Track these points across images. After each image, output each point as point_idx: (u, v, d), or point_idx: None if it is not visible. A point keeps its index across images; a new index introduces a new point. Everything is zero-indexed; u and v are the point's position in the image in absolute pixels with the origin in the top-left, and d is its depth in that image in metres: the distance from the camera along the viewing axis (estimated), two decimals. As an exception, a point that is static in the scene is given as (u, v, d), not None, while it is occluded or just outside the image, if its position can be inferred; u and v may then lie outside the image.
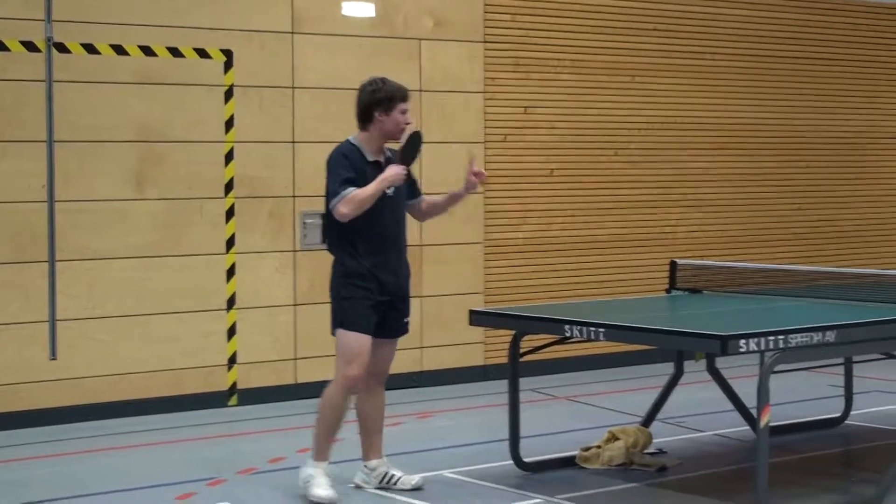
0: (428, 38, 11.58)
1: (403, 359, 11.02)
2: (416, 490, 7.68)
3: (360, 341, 7.45)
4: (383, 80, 7.59)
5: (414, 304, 11.25)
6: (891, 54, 14.66)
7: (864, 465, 8.76)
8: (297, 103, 10.95)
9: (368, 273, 7.46)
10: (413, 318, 11.31)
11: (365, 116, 7.53)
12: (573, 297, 11.93)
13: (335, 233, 7.54)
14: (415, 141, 7.56)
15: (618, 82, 12.68)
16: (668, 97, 12.99)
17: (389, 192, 7.46)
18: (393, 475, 7.73)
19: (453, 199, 7.92)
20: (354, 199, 7.30)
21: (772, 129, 13.73)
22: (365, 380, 7.59)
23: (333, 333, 7.57)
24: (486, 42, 11.91)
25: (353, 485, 7.77)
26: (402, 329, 7.76)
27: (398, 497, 7.58)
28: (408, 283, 7.74)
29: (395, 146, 7.62)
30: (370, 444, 7.79)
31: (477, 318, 8.45)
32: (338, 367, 7.53)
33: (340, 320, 7.51)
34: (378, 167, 7.48)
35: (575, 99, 12.46)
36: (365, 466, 7.79)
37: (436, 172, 11.58)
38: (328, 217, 7.52)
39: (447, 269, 11.62)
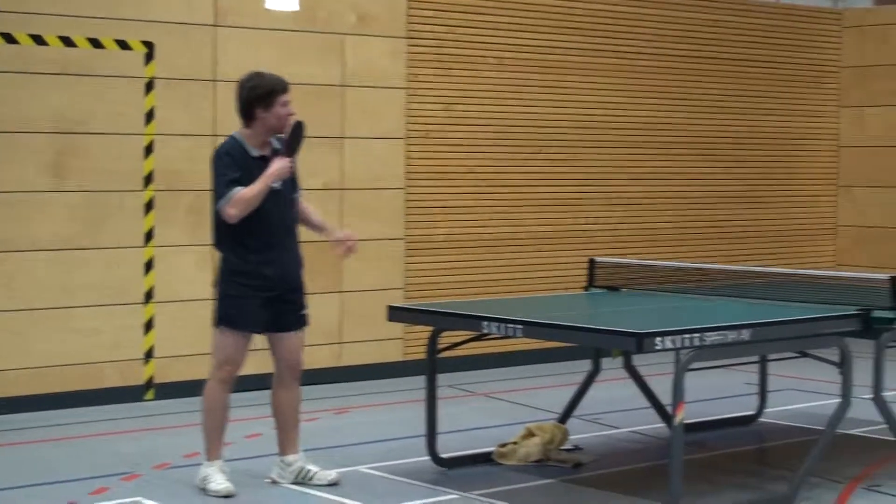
0: (351, 34, 11.55)
1: (322, 354, 11.05)
2: (332, 485, 7.65)
3: (236, 341, 7.50)
4: (260, 75, 7.52)
5: (333, 300, 11.40)
6: (807, 56, 14.82)
7: (777, 462, 8.84)
8: (218, 96, 10.88)
9: (254, 270, 7.43)
10: (332, 314, 11.43)
11: (246, 113, 7.47)
12: (493, 294, 11.96)
13: (221, 230, 7.50)
14: (298, 132, 7.53)
15: (540, 81, 12.72)
16: (589, 96, 13.05)
17: (276, 185, 7.42)
18: (309, 470, 7.72)
19: (320, 230, 7.89)
20: (241, 200, 7.27)
21: (691, 128, 13.84)
22: (279, 372, 7.66)
23: (214, 327, 7.61)
24: (409, 38, 11.91)
25: (268, 480, 7.76)
26: (301, 321, 7.70)
27: (314, 492, 7.57)
28: (299, 275, 7.69)
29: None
30: (286, 438, 7.77)
31: (395, 313, 8.46)
32: (213, 364, 7.60)
33: (220, 317, 7.52)
34: (264, 162, 7.43)
35: (497, 96, 12.49)
36: (281, 461, 7.77)
37: (358, 168, 11.61)
38: (216, 216, 7.48)
39: (367, 265, 11.59)
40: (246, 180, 7.32)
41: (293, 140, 7.52)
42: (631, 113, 13.37)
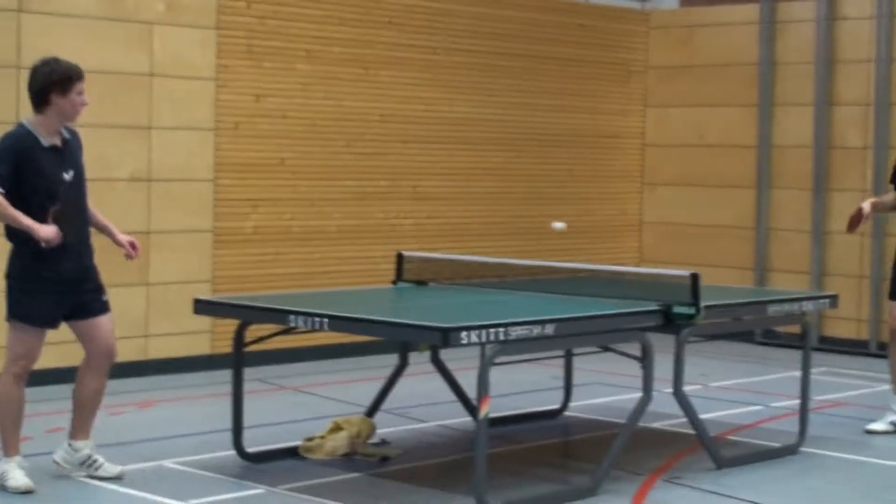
0: (159, 23, 11.39)
1: (127, 347, 10.85)
2: (116, 479, 7.59)
3: (30, 335, 7.34)
4: (56, 60, 7.28)
5: (139, 292, 11.25)
6: (615, 55, 15.07)
7: (581, 455, 8.98)
8: (21, 84, 10.53)
9: (47, 263, 7.23)
10: (138, 306, 11.28)
11: (40, 99, 7.22)
12: (301, 288, 11.91)
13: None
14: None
15: (351, 74, 12.71)
16: (399, 91, 13.08)
17: (68, 177, 7.27)
18: (96, 459, 7.62)
19: (102, 229, 7.70)
20: None
21: (499, 125, 13.96)
22: (92, 359, 7.54)
23: (8, 321, 7.41)
24: (219, 28, 11.79)
25: (54, 462, 7.65)
26: (103, 307, 7.56)
27: (119, 488, 7.45)
28: (92, 265, 7.52)
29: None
30: (80, 423, 7.63)
31: (202, 306, 8.36)
32: (7, 358, 7.40)
33: (14, 312, 7.34)
34: (55, 151, 7.26)
35: (308, 89, 12.44)
36: (69, 445, 7.65)
37: (165, 159, 11.45)
38: None
39: (174, 257, 11.46)
40: (33, 172, 7.13)
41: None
42: (440, 108, 13.43)
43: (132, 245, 7.65)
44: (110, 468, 7.62)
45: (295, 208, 12.38)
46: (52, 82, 7.18)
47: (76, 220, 7.38)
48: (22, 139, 7.21)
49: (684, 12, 15.29)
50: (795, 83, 14.33)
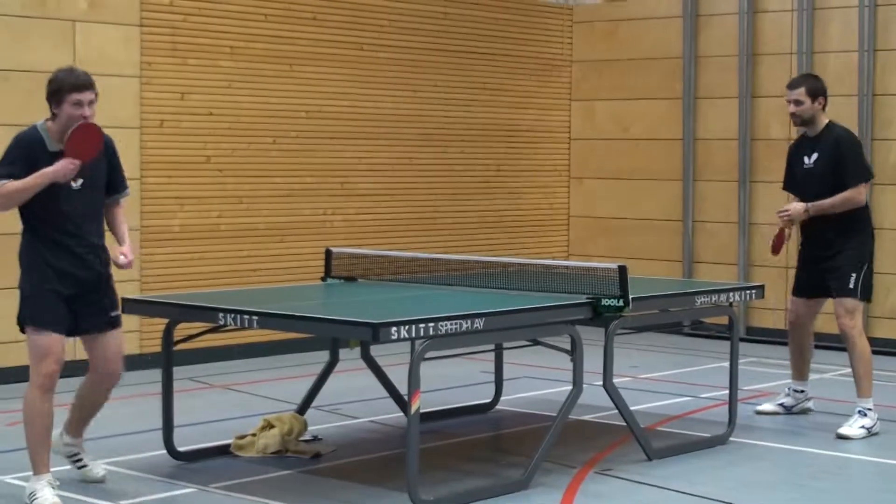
0: (82, 20, 11.30)
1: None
2: (99, 482, 7.58)
3: (45, 340, 7.00)
4: (61, 70, 7.11)
5: (66, 292, 11.10)
6: (540, 50, 15.14)
7: (513, 448, 9.00)
8: (-58, 83, 10.54)
9: (52, 268, 7.02)
10: (65, 306, 11.11)
11: (49, 106, 7.05)
12: (230, 285, 11.87)
13: (24, 223, 7.11)
14: (79, 134, 6.98)
15: (275, 70, 12.68)
16: (324, 87, 13.07)
17: (76, 185, 7.03)
18: (81, 458, 7.61)
19: (118, 240, 7.42)
20: (2, 192, 6.89)
21: (426, 120, 13.99)
22: (93, 374, 7.39)
23: (23, 331, 7.13)
24: (142, 25, 11.72)
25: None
26: (109, 322, 7.34)
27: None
28: (102, 275, 7.28)
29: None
30: (76, 422, 7.54)
31: (130, 305, 8.29)
32: (31, 372, 7.04)
33: (27, 316, 7.07)
34: (59, 158, 6.99)
35: (233, 86, 12.40)
36: (61, 434, 7.56)
37: (89, 158, 11.35)
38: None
39: (101, 257, 11.37)
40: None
41: (73, 141, 6.94)
42: (366, 104, 13.43)
43: (125, 256, 7.28)
44: (95, 470, 7.59)
45: (222, 206, 12.33)
46: (48, 94, 7.02)
47: (83, 228, 7.15)
48: (28, 140, 7.02)
49: (607, 6, 15.37)
50: (719, 76, 14.46)
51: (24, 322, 7.08)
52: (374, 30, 13.46)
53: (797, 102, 9.52)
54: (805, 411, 10.02)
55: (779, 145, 13.90)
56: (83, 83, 7.01)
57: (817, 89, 9.55)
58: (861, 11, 13.43)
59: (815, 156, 9.58)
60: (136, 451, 8.49)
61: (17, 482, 7.65)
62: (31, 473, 7.12)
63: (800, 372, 10.06)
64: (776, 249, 9.75)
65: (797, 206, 9.51)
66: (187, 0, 12.03)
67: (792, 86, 9.64)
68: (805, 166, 9.66)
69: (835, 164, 9.46)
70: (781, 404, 10.00)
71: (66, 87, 6.96)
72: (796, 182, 9.80)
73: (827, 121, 9.61)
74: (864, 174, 9.54)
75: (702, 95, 14.60)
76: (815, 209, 9.44)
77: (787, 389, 10.09)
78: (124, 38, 11.57)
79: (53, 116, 7.05)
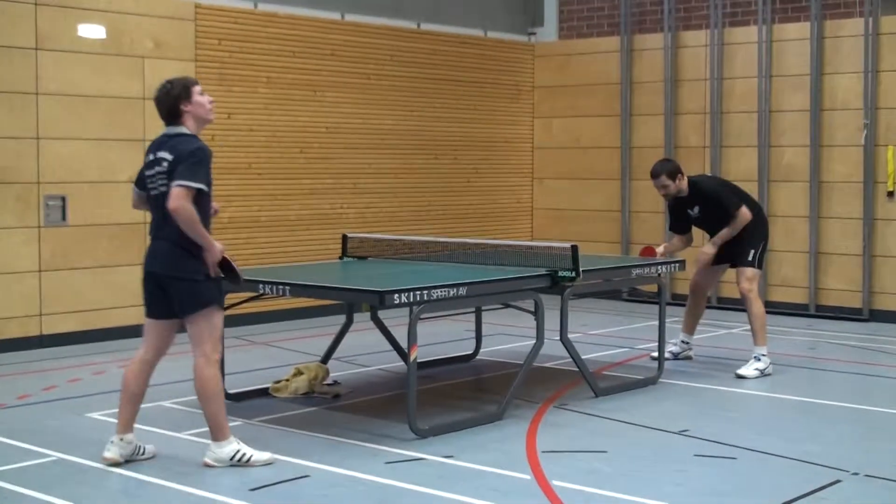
0: (149, 56, 11.29)
1: (134, 311, 10.78)
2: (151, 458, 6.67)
3: (219, 317, 6.46)
4: (169, 80, 6.49)
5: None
6: (508, 78, 15.10)
7: (490, 389, 9.01)
8: (40, 106, 10.52)
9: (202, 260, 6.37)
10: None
11: (175, 114, 6.39)
12: (268, 264, 11.87)
13: (169, 226, 6.36)
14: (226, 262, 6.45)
15: (302, 95, 12.67)
16: (341, 108, 13.05)
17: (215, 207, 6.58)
18: (140, 446, 6.64)
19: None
20: (193, 220, 6.25)
21: (419, 133, 13.97)
22: (149, 361, 6.61)
23: (197, 312, 6.35)
24: (197, 60, 11.70)
25: (108, 458, 6.50)
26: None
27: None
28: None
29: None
30: (131, 418, 6.59)
31: (190, 280, 8.28)
32: (205, 345, 6.37)
33: (214, 297, 6.40)
34: None
35: (269, 108, 12.38)
36: (121, 439, 6.53)
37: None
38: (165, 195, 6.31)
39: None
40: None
41: (224, 263, 6.46)
42: (373, 122, 13.42)
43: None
44: (150, 450, 6.69)
45: (261, 202, 12.32)
46: (176, 96, 6.40)
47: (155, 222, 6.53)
48: (209, 151, 6.45)
49: (561, 44, 15.36)
50: (649, 98, 14.46)
51: (210, 302, 6.37)
52: (379, 63, 13.45)
53: (664, 186, 9.40)
54: (688, 358, 10.04)
55: (696, 151, 13.95)
56: (195, 79, 6.60)
57: (674, 170, 9.40)
58: (759, 46, 13.45)
59: (696, 208, 9.53)
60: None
61: (103, 418, 7.69)
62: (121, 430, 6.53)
63: (689, 327, 10.09)
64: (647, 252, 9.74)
65: (707, 251, 9.46)
66: (232, 41, 12.02)
67: (654, 175, 9.42)
68: (693, 216, 9.62)
69: (714, 208, 9.42)
70: (670, 351, 9.99)
71: (188, 82, 6.47)
72: (683, 226, 9.73)
73: (686, 182, 9.45)
74: (736, 201, 9.45)
75: (636, 113, 14.60)
76: (719, 240, 9.43)
77: (676, 339, 10.09)
78: (182, 70, 11.53)
79: (182, 116, 6.42)
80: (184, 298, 6.38)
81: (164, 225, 6.41)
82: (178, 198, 6.22)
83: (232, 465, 6.46)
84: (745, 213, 9.38)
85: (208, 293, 6.40)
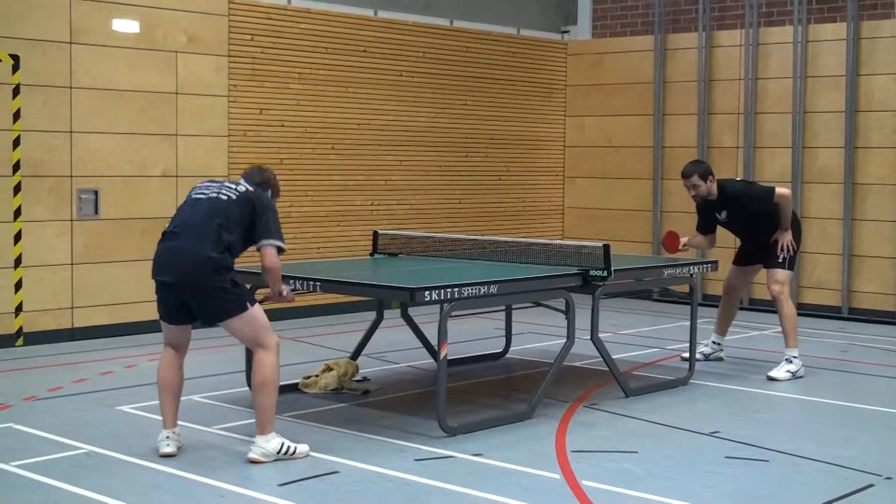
0: (183, 51, 11.34)
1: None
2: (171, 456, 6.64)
3: (261, 311, 6.65)
4: (273, 174, 6.99)
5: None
6: (541, 76, 15.09)
7: (519, 387, 9.01)
8: (74, 100, 10.59)
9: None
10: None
11: (263, 187, 6.85)
12: (299, 259, 11.90)
13: (223, 249, 6.53)
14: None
15: (334, 92, 12.69)
16: (372, 105, 13.07)
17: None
18: (178, 435, 6.71)
19: None
20: (276, 270, 6.66)
21: (452, 131, 13.97)
22: (176, 355, 6.76)
23: (243, 312, 6.52)
24: (230, 56, 11.75)
25: (166, 454, 6.57)
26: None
27: (157, 416, 7.43)
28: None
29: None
30: (175, 411, 6.73)
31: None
32: (262, 337, 6.54)
33: (248, 299, 6.60)
34: None
35: (300, 104, 12.42)
36: (173, 433, 6.65)
37: (189, 160, 11.41)
38: (225, 228, 6.53)
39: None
40: None
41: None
42: (405, 118, 13.43)
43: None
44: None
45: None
46: (273, 189, 6.95)
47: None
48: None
49: (595, 42, 15.33)
50: (682, 97, 14.41)
51: (248, 302, 6.56)
52: (411, 60, 13.46)
53: (694, 186, 9.34)
54: (718, 359, 10.01)
55: (729, 152, 13.89)
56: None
57: (705, 171, 9.34)
58: (795, 47, 13.38)
59: (724, 213, 9.46)
60: (226, 387, 8.57)
61: (133, 412, 7.72)
62: (162, 423, 6.66)
63: (722, 328, 10.05)
64: (673, 248, 9.65)
65: (785, 236, 9.34)
66: (264, 36, 12.05)
67: (686, 175, 9.37)
68: (721, 220, 9.56)
69: (743, 208, 9.35)
70: (701, 352, 9.96)
71: (275, 190, 6.99)
72: (710, 228, 9.65)
73: (717, 185, 9.38)
74: (768, 188, 9.41)
75: (668, 112, 14.55)
76: (785, 226, 9.36)
77: (707, 340, 10.05)
78: (215, 66, 11.61)
79: (260, 186, 6.82)
80: (217, 306, 6.54)
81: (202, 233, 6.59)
82: (273, 256, 6.64)
83: (277, 460, 6.48)
84: (782, 191, 9.32)
85: (243, 296, 6.61)
